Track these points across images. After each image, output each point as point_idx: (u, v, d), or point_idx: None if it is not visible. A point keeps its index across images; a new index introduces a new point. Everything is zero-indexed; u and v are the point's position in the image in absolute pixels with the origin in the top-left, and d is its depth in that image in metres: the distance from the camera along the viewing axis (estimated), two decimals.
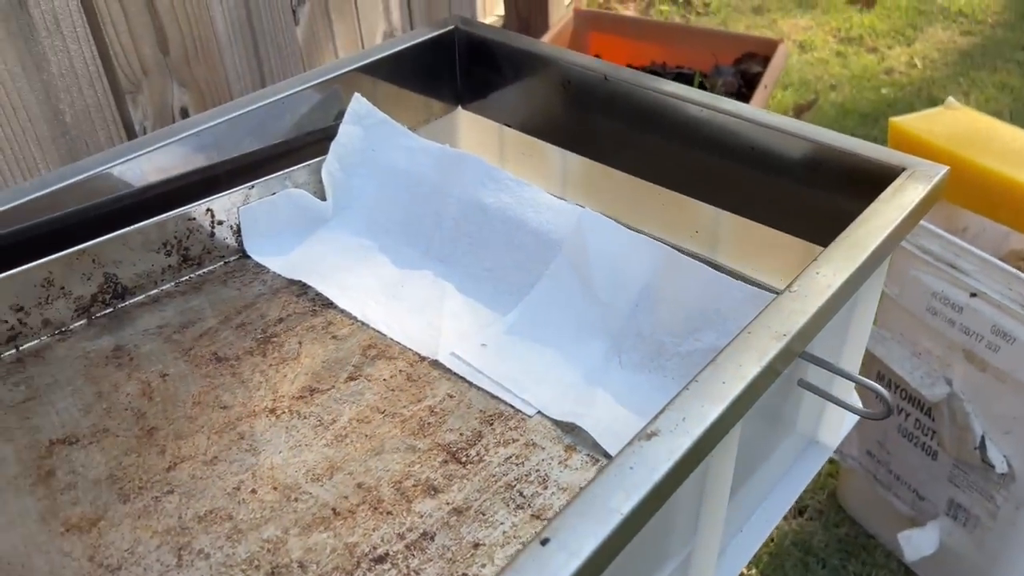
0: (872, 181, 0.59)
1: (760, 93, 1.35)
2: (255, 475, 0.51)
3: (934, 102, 1.97)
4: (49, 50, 0.85)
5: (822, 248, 0.52)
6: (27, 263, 0.59)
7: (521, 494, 0.50)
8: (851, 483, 1.14)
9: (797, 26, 2.36)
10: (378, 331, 0.63)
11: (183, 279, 0.67)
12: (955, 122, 0.95)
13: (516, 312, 0.63)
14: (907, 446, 1.01)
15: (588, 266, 0.63)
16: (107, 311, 0.64)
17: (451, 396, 0.57)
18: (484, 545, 0.47)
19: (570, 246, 0.64)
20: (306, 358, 0.60)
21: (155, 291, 0.66)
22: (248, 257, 0.69)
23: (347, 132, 0.73)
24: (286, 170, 0.71)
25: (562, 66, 0.74)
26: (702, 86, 1.42)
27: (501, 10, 1.80)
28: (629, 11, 2.39)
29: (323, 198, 0.72)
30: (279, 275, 0.68)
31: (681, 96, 0.68)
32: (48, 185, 0.61)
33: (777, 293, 0.49)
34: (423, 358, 0.60)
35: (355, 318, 0.64)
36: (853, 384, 0.59)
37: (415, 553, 0.47)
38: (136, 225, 0.63)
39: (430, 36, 0.79)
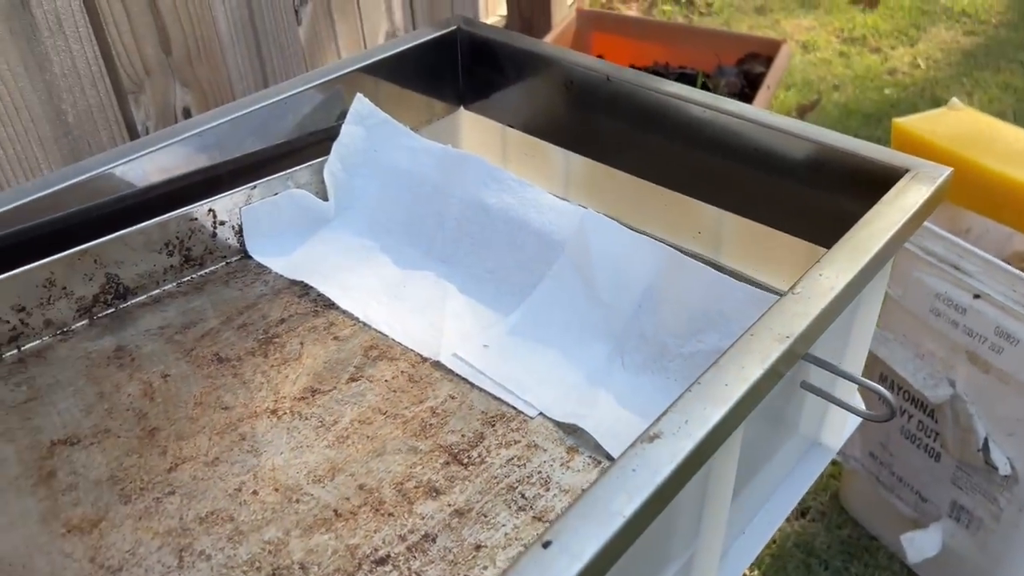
0: (875, 182, 0.58)
1: (763, 94, 1.35)
2: (256, 476, 0.51)
3: (937, 103, 1.97)
4: (51, 50, 0.85)
5: (825, 249, 0.52)
6: (29, 263, 0.59)
7: (523, 496, 0.50)
8: (854, 485, 1.13)
9: (800, 26, 2.36)
10: (380, 332, 0.63)
11: (185, 279, 0.67)
12: (959, 123, 0.95)
13: (518, 313, 0.63)
14: (910, 448, 1.00)
15: (591, 267, 0.62)
16: (109, 311, 0.64)
17: (453, 397, 0.57)
18: (486, 547, 0.47)
19: (572, 247, 0.64)
20: (308, 359, 0.60)
21: (157, 291, 0.66)
22: (250, 257, 0.69)
23: (349, 132, 0.73)
24: (288, 170, 0.71)
25: (565, 66, 0.74)
26: (705, 86, 1.42)
27: (504, 10, 1.80)
28: (632, 11, 2.38)
29: (325, 198, 0.72)
30: (281, 275, 0.67)
31: (684, 97, 0.68)
32: (50, 185, 0.61)
33: (780, 295, 0.49)
34: (425, 359, 0.60)
35: (357, 319, 0.64)
36: (856, 386, 0.59)
37: (416, 555, 0.47)
38: (138, 225, 0.63)
39: (432, 36, 0.78)
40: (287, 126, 0.72)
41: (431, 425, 0.55)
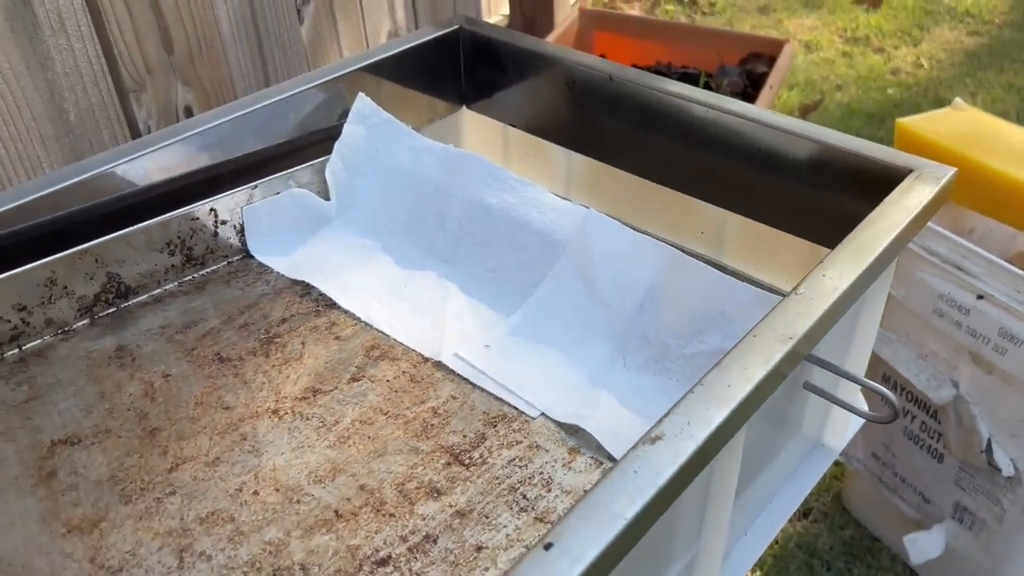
0: (879, 182, 0.58)
1: (766, 93, 1.34)
2: (257, 476, 0.51)
3: (941, 103, 1.97)
4: (53, 49, 0.85)
5: (828, 250, 0.51)
6: (30, 263, 0.59)
7: (524, 497, 0.50)
8: (856, 485, 1.13)
9: (803, 26, 2.35)
10: (381, 332, 0.62)
11: (186, 279, 0.67)
12: (962, 123, 0.95)
13: (520, 313, 0.63)
14: (913, 449, 1.00)
15: (592, 267, 0.62)
16: (110, 311, 0.63)
17: (454, 397, 0.57)
18: (487, 548, 0.47)
19: (574, 247, 0.63)
20: (309, 359, 0.60)
21: (158, 291, 0.66)
22: (251, 257, 0.69)
23: (351, 132, 0.73)
24: (290, 170, 0.71)
25: (567, 66, 0.74)
26: (707, 86, 1.42)
27: (506, 9, 1.80)
28: (634, 11, 2.38)
29: (327, 198, 0.72)
30: (282, 275, 0.67)
31: (686, 96, 0.68)
32: (51, 184, 0.61)
33: (783, 295, 0.49)
34: (426, 359, 0.60)
35: (358, 318, 0.63)
36: (859, 387, 0.59)
37: (417, 556, 0.47)
38: (139, 225, 0.63)
39: (435, 35, 0.78)
40: (289, 125, 0.72)
41: (432, 425, 0.55)
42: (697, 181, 0.70)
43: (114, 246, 0.62)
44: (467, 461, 0.52)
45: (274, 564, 0.46)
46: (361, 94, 0.73)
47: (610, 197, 0.76)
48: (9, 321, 0.59)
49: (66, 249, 0.60)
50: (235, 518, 0.49)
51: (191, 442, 0.53)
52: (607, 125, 0.73)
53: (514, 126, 0.81)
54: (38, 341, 0.61)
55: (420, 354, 0.60)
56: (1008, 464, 0.88)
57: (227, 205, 0.67)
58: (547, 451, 0.53)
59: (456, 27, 0.79)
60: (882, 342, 0.96)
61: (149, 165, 0.65)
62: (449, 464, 0.52)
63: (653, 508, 0.37)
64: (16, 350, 0.60)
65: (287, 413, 0.56)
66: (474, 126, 0.85)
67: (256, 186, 0.69)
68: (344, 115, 0.73)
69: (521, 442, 0.54)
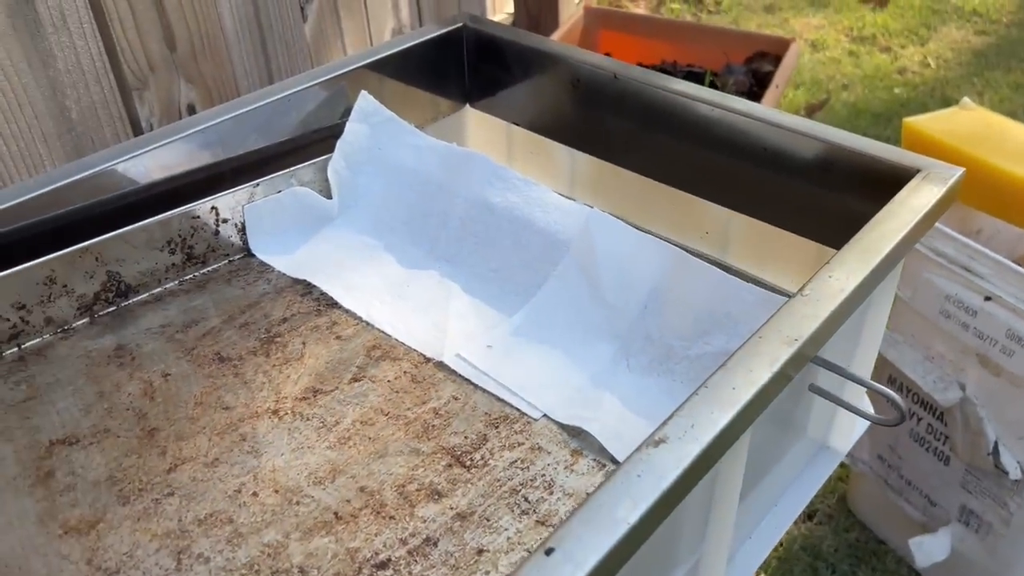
0: (886, 182, 0.58)
1: (771, 92, 1.34)
2: (256, 478, 0.51)
3: (947, 102, 1.96)
4: (55, 46, 0.85)
5: (834, 250, 0.51)
6: (30, 261, 0.58)
7: (526, 499, 0.50)
8: (861, 487, 1.12)
9: (809, 25, 2.34)
10: (383, 331, 0.62)
11: (187, 278, 0.66)
12: (970, 123, 0.94)
13: (522, 313, 0.63)
14: (919, 451, 0.99)
15: (596, 267, 0.62)
16: (110, 310, 0.63)
17: (456, 398, 0.57)
18: (488, 551, 0.47)
19: (578, 246, 0.63)
20: (310, 359, 0.59)
21: (158, 290, 0.65)
22: (253, 256, 0.69)
23: (354, 130, 0.72)
24: (292, 168, 0.70)
25: (571, 64, 0.73)
26: (713, 85, 1.41)
27: (511, 7, 1.79)
28: (640, 9, 2.37)
29: (329, 196, 0.71)
30: (284, 274, 0.67)
31: (692, 95, 0.67)
32: (52, 182, 0.60)
33: (788, 296, 0.48)
34: (428, 359, 0.60)
35: (360, 318, 0.63)
36: (865, 389, 0.58)
37: (418, 559, 0.46)
38: (140, 223, 0.63)
39: (438, 33, 0.78)
40: (291, 123, 0.71)
41: (434, 426, 0.54)
42: (702, 180, 0.69)
43: (114, 244, 0.62)
44: (468, 463, 0.52)
45: (273, 566, 0.46)
46: (364, 92, 0.73)
47: (614, 196, 0.75)
48: (8, 320, 0.59)
49: (66, 247, 0.60)
50: (234, 520, 0.48)
51: (190, 442, 0.53)
52: (611, 124, 0.73)
53: (518, 125, 0.80)
54: (37, 340, 0.60)
55: (422, 354, 0.60)
56: (1015, 467, 0.88)
57: (228, 203, 0.67)
58: (549, 453, 0.53)
59: (460, 25, 0.79)
60: (888, 343, 0.95)
61: (150, 163, 0.64)
62: (450, 466, 0.52)
63: (656, 513, 0.36)
64: (15, 349, 0.59)
65: (287, 413, 0.55)
66: (478, 124, 0.84)
67: (258, 184, 0.68)
68: (347, 113, 0.73)
69: (523, 444, 0.53)
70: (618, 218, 0.63)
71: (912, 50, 2.22)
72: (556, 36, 1.50)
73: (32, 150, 0.85)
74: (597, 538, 0.34)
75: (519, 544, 0.47)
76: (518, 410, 0.56)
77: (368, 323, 0.63)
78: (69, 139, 0.88)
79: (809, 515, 1.15)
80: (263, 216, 0.69)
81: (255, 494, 0.50)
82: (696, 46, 1.52)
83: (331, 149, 0.71)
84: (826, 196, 0.63)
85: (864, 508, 1.13)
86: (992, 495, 0.92)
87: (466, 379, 0.58)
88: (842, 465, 1.15)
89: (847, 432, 0.64)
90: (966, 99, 0.98)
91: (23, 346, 0.60)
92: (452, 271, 0.67)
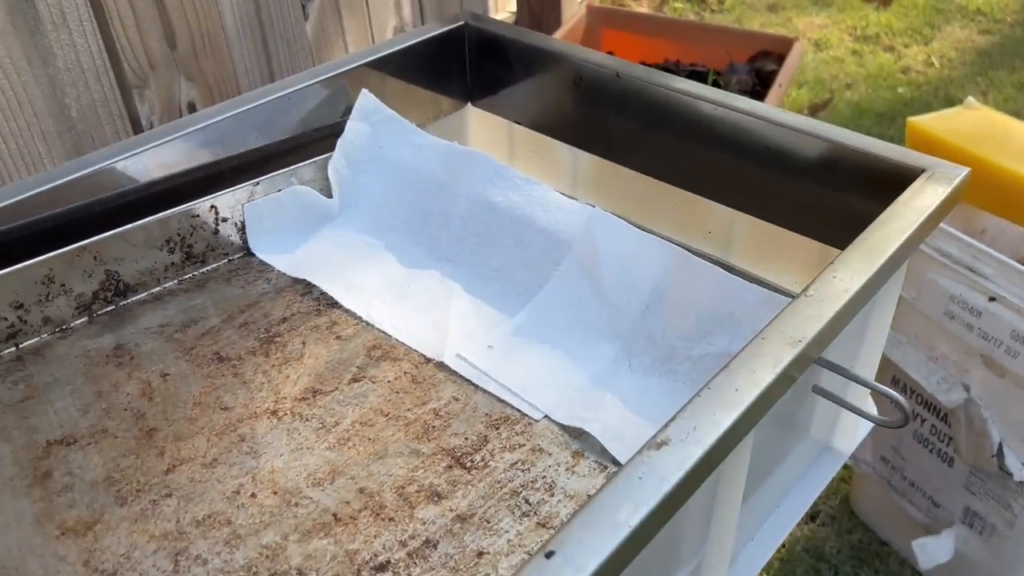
0: (890, 182, 0.57)
1: (775, 91, 1.33)
2: (255, 479, 0.50)
3: (951, 102, 1.95)
4: (55, 44, 0.84)
5: (838, 250, 0.50)
6: (28, 259, 0.58)
7: (527, 501, 0.49)
8: (865, 489, 1.12)
9: (812, 24, 2.34)
10: (383, 331, 0.61)
11: (186, 277, 0.66)
12: (974, 122, 0.94)
13: (524, 313, 0.62)
14: (923, 452, 0.99)
15: (598, 267, 0.61)
16: (108, 309, 0.63)
17: (456, 399, 0.56)
18: (488, 554, 0.46)
19: (580, 246, 0.62)
20: (309, 359, 0.59)
21: (157, 289, 0.65)
22: (252, 255, 0.68)
23: (354, 128, 0.72)
24: (292, 167, 0.70)
25: (574, 63, 0.73)
26: (716, 84, 1.41)
27: (513, 6, 1.79)
28: (643, 8, 2.37)
29: (329, 195, 0.71)
30: (283, 273, 0.66)
31: (694, 94, 0.67)
32: (50, 180, 0.60)
33: (792, 296, 0.48)
34: (428, 360, 0.59)
35: (360, 318, 0.63)
36: (869, 390, 0.58)
37: (417, 561, 0.46)
38: (139, 222, 0.62)
39: (440, 32, 0.77)
40: (291, 122, 0.71)
41: (434, 427, 0.54)
42: (705, 180, 0.69)
43: (113, 243, 0.61)
44: (468, 464, 0.51)
45: (271, 568, 0.45)
46: (365, 90, 0.72)
47: (616, 196, 0.75)
48: (6, 319, 0.58)
49: (65, 246, 0.59)
50: (232, 521, 0.48)
51: (188, 443, 0.53)
52: (614, 123, 0.72)
53: (520, 123, 0.80)
54: (35, 339, 0.60)
55: (422, 354, 0.60)
56: (1019, 468, 0.87)
57: (228, 202, 0.67)
58: (550, 454, 0.52)
59: (462, 23, 0.78)
60: (892, 344, 0.95)
61: (149, 161, 0.64)
62: (450, 467, 0.51)
63: (658, 515, 0.36)
64: (13, 348, 0.59)
65: (286, 414, 0.55)
66: (479, 123, 0.84)
67: (258, 183, 0.68)
68: (348, 111, 0.72)
69: (524, 445, 0.53)
70: (620, 217, 0.63)
71: (916, 49, 2.21)
72: (558, 35, 1.50)
73: (31, 148, 0.85)
74: (598, 541, 0.34)
75: (519, 546, 0.47)
76: (519, 411, 0.55)
77: (368, 323, 0.62)
78: (69, 137, 0.88)
79: (812, 516, 1.14)
80: (263, 215, 0.68)
81: (253, 495, 0.49)
82: (699, 45, 1.52)
83: (332, 148, 0.71)
84: (830, 196, 0.62)
85: (867, 509, 1.13)
86: (996, 497, 0.91)
87: (467, 379, 0.57)
88: (845, 466, 1.14)
89: (850, 433, 0.63)
90: (970, 98, 0.97)
91: (21, 345, 0.59)
92: (453, 271, 0.67)
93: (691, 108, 0.67)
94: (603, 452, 0.52)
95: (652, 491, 0.36)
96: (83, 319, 0.62)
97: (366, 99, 0.72)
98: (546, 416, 0.55)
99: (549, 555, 0.33)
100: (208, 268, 0.67)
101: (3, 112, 0.82)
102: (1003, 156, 0.87)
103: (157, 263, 0.64)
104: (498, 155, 0.72)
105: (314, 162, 0.71)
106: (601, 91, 0.72)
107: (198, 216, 0.65)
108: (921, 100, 2.00)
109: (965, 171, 0.57)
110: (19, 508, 0.49)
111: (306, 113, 0.72)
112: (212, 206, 0.66)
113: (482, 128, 0.84)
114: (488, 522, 0.48)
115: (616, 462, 0.52)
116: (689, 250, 0.60)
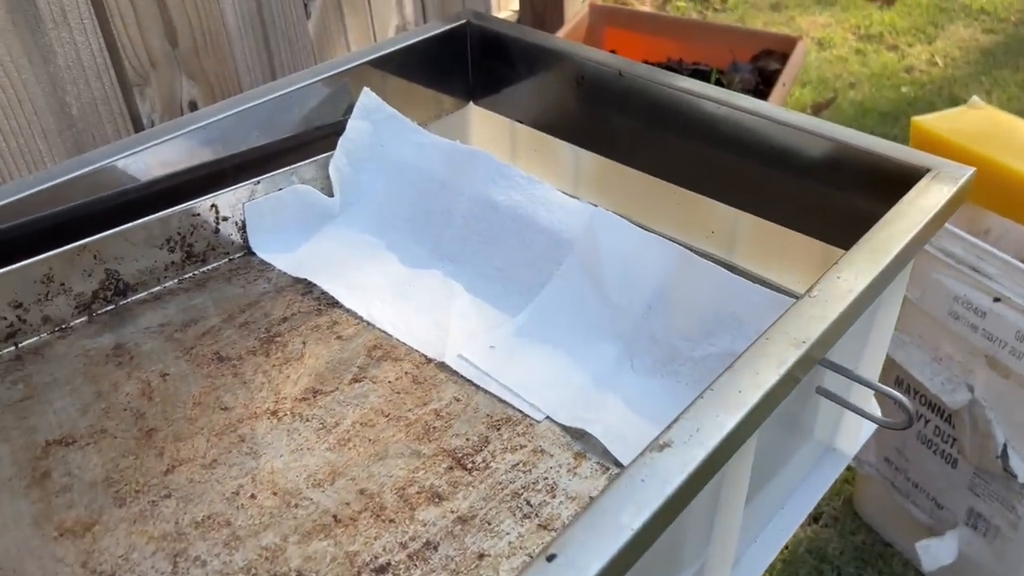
0: (894, 182, 0.57)
1: (778, 90, 1.33)
2: (255, 479, 0.50)
3: (955, 101, 1.94)
4: (56, 42, 0.84)
5: (842, 251, 0.50)
6: (28, 258, 0.58)
7: (528, 503, 0.49)
8: (868, 490, 1.12)
9: (816, 23, 2.33)
10: (384, 331, 0.61)
11: (186, 276, 0.66)
12: (978, 122, 0.93)
13: (526, 313, 0.62)
14: (926, 453, 0.98)
15: (600, 266, 0.61)
16: (108, 308, 0.62)
17: (458, 399, 0.56)
18: (489, 556, 0.46)
19: (582, 246, 0.62)
20: (310, 359, 0.59)
21: (157, 288, 0.64)
22: (253, 254, 0.68)
23: (356, 127, 0.71)
24: (293, 165, 0.69)
25: (576, 61, 0.73)
26: (719, 83, 1.40)
27: (516, 5, 1.79)
28: (645, 6, 2.36)
29: (330, 194, 0.71)
30: (284, 273, 0.66)
31: (697, 93, 0.66)
32: (51, 179, 0.59)
33: (795, 297, 0.47)
34: (430, 360, 0.59)
35: (361, 318, 0.62)
36: (872, 391, 0.58)
37: (417, 563, 0.45)
38: (139, 220, 0.62)
39: (442, 30, 0.77)
40: (293, 120, 0.71)
41: (435, 428, 0.54)
42: (708, 179, 0.68)
43: (113, 242, 0.61)
44: (469, 465, 0.51)
45: (270, 570, 0.45)
46: (366, 89, 0.72)
47: (619, 195, 0.75)
48: (5, 318, 0.58)
49: (65, 245, 0.59)
50: (231, 522, 0.48)
51: (188, 443, 0.52)
52: (616, 122, 0.72)
53: (522, 122, 0.79)
54: (35, 339, 0.60)
55: (423, 355, 0.59)
56: None
57: (229, 201, 0.66)
58: (552, 456, 0.52)
59: (464, 22, 0.78)
60: (896, 345, 0.94)
61: (150, 160, 0.63)
62: (451, 468, 0.51)
63: (661, 518, 0.35)
64: (12, 348, 0.59)
65: (286, 414, 0.54)
66: (481, 122, 0.83)
67: (259, 182, 0.67)
68: (349, 110, 0.72)
69: (525, 446, 0.52)
70: (622, 217, 0.62)
71: (919, 48, 2.20)
72: (561, 33, 1.49)
73: (32, 146, 0.85)
74: (600, 544, 0.33)
75: (521, 549, 0.46)
76: (520, 412, 0.55)
77: (369, 323, 0.62)
78: (69, 135, 0.88)
79: (815, 517, 1.14)
80: (264, 214, 0.68)
81: (253, 496, 0.49)
82: (702, 44, 1.51)
83: (333, 146, 0.71)
84: (834, 195, 0.62)
85: (870, 511, 1.12)
86: (1000, 498, 0.91)
87: (468, 380, 0.57)
88: (848, 467, 1.14)
89: (854, 435, 0.63)
90: (975, 98, 0.97)
91: (20, 345, 0.59)
92: (455, 270, 0.66)
93: (694, 107, 0.67)
94: (605, 453, 0.52)
95: (655, 493, 0.35)
96: (83, 318, 0.61)
97: (368, 98, 0.72)
98: (548, 417, 0.55)
99: (550, 558, 0.33)
100: (208, 267, 0.67)
101: (3, 110, 0.82)
102: (1008, 155, 0.87)
103: (157, 262, 0.64)
104: (500, 154, 0.72)
105: (315, 161, 0.71)
106: (604, 90, 0.71)
107: (199, 215, 0.65)
108: (925, 99, 1.99)
109: (971, 171, 0.56)
110: (17, 509, 0.48)
111: (307, 112, 0.71)
112: (213, 205, 0.65)
113: (484, 127, 0.83)
114: (489, 524, 0.47)
115: (618, 464, 0.51)
116: (692, 250, 0.59)
